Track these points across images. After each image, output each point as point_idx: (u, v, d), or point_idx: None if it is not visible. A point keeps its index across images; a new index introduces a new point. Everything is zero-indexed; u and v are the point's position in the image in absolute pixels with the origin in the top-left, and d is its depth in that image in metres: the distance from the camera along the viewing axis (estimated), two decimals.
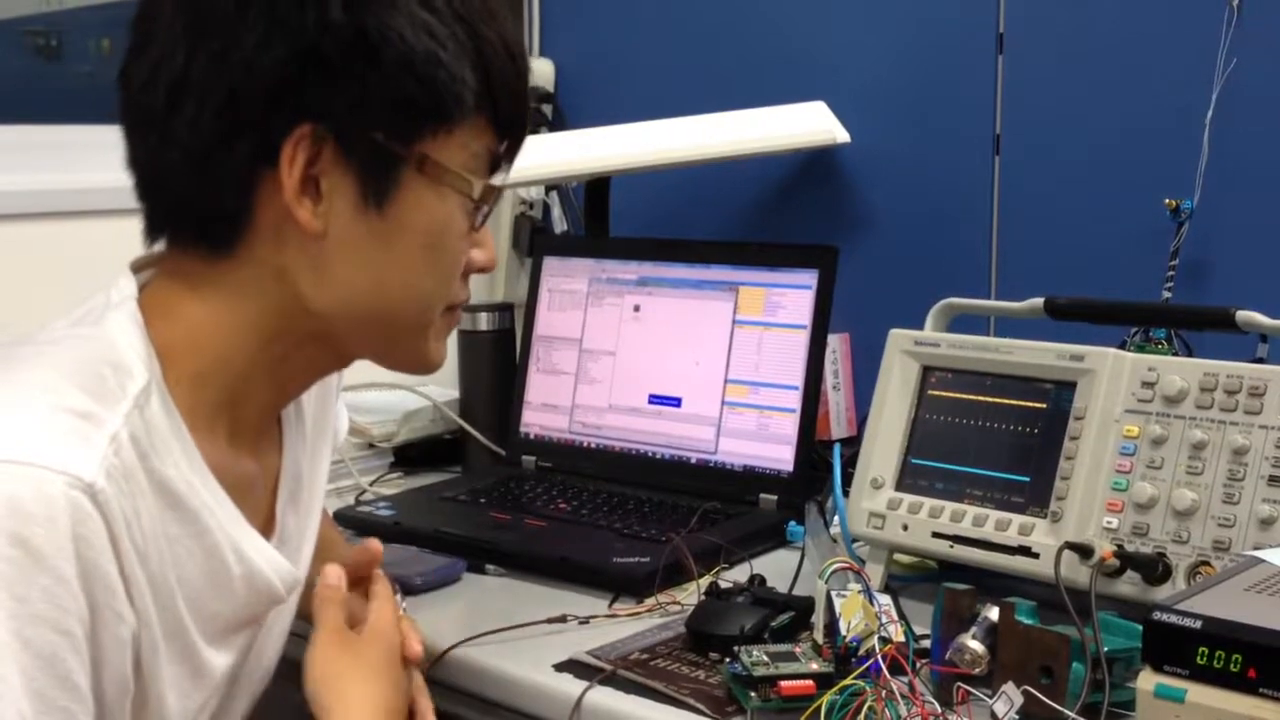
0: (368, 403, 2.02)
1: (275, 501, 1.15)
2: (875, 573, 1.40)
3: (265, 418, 1.11)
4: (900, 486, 1.42)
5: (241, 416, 1.06)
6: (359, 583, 1.25)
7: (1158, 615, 0.95)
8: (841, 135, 1.99)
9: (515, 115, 1.06)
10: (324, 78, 0.96)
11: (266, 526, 1.12)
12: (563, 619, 1.36)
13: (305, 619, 1.23)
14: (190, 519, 0.98)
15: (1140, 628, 0.97)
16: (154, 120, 0.98)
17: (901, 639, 1.18)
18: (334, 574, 1.19)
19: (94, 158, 1.99)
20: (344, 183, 0.99)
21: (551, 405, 1.94)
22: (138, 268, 1.06)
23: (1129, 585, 1.23)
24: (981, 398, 1.40)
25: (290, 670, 1.17)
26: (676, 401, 1.83)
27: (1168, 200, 1.68)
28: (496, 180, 1.07)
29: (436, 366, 1.12)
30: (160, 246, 1.05)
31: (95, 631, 0.90)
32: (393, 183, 0.99)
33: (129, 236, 1.93)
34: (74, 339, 0.99)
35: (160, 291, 1.03)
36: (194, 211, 1.01)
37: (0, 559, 0.84)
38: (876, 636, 1.16)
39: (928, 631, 1.21)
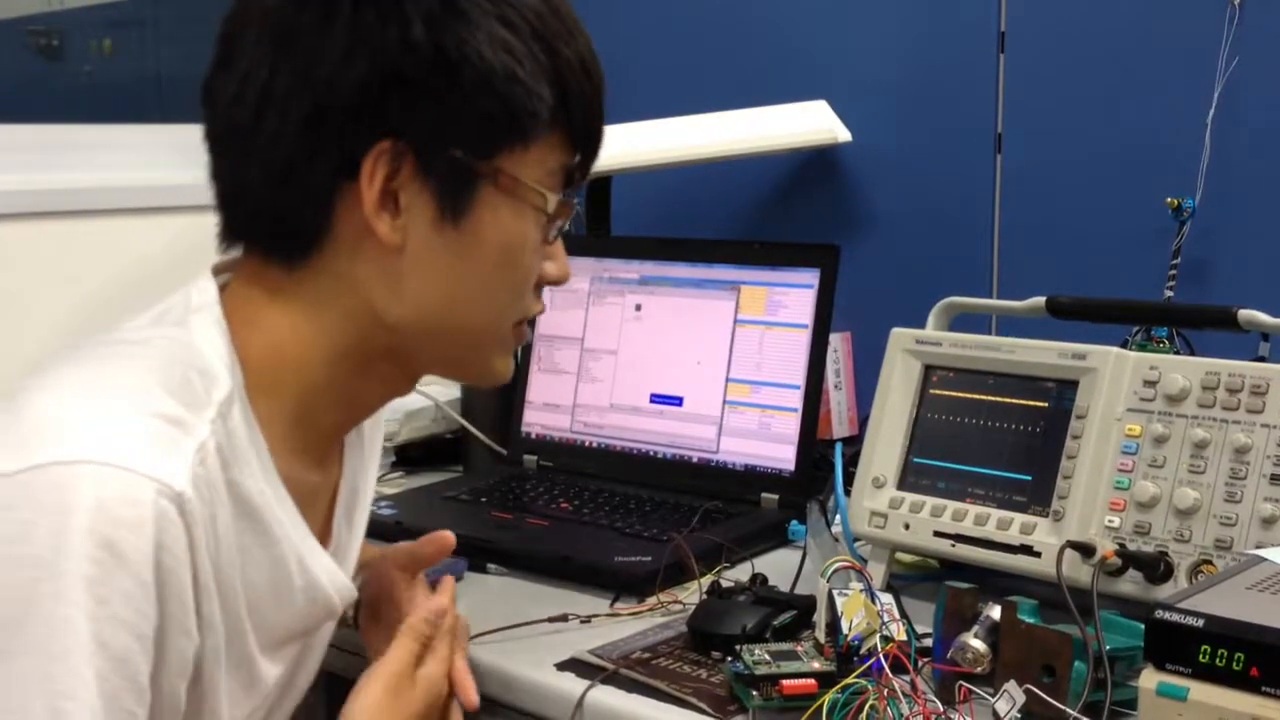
0: None
1: (332, 515, 1.15)
2: (877, 572, 1.40)
3: (336, 433, 1.12)
4: (902, 485, 1.42)
5: (314, 429, 1.07)
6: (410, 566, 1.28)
7: (1160, 614, 0.95)
8: (843, 134, 2.00)
9: (591, 131, 1.07)
10: (405, 95, 0.97)
11: (323, 540, 1.12)
12: (564, 618, 1.36)
13: (345, 626, 1.25)
14: (262, 529, 0.99)
15: (1142, 626, 0.97)
16: (237, 135, 1.00)
17: (903, 638, 1.18)
18: (435, 608, 1.18)
19: (95, 157, 2.00)
20: (422, 197, 0.99)
21: (553, 404, 1.94)
22: (216, 270, 1.06)
23: (1131, 584, 1.23)
24: (983, 397, 1.40)
25: (323, 681, 1.19)
26: (678, 401, 1.83)
27: (1169, 199, 1.68)
28: (570, 194, 1.08)
29: (504, 379, 1.13)
30: (236, 252, 1.06)
31: (161, 639, 0.90)
32: (470, 198, 1.00)
33: (134, 235, 1.94)
34: (161, 340, 0.99)
35: (239, 297, 1.04)
36: (274, 223, 1.02)
37: (86, 559, 0.85)
38: (878, 635, 1.16)
39: (929, 630, 1.21)
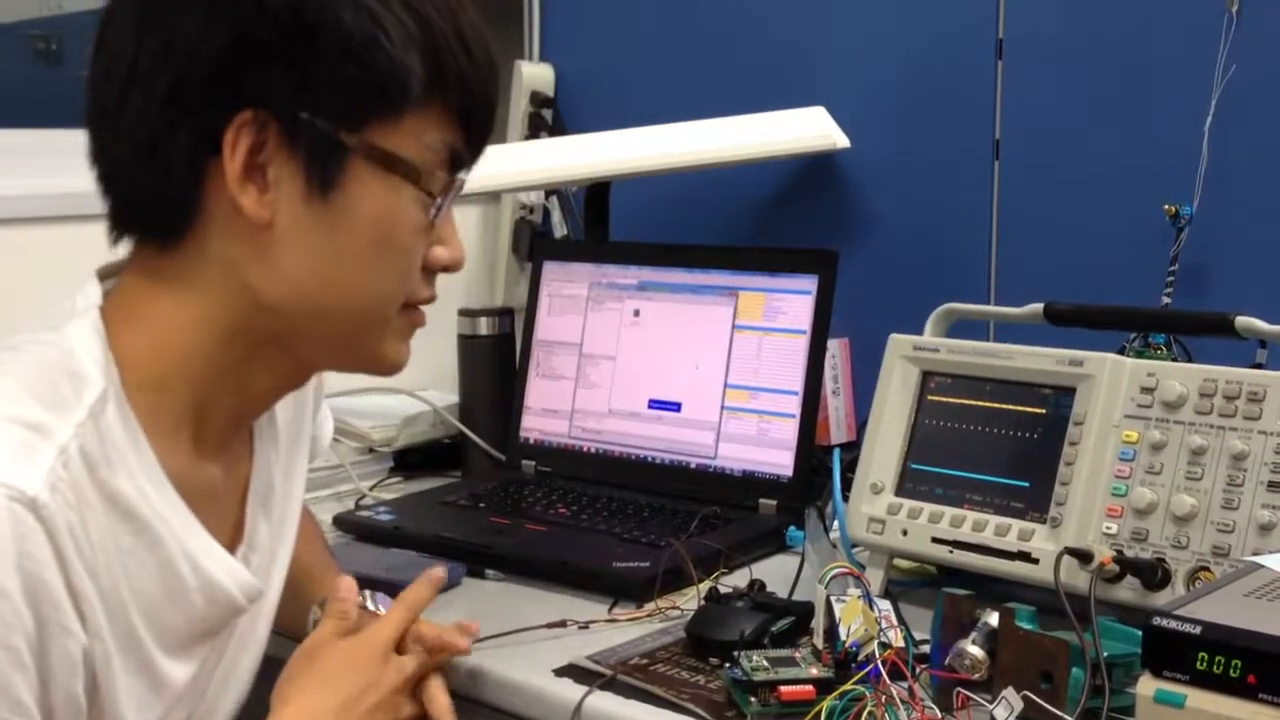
0: (367, 407, 2.02)
1: (245, 510, 1.14)
2: (875, 578, 1.40)
3: (232, 425, 1.09)
4: (900, 491, 1.42)
5: (207, 423, 1.05)
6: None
7: (1158, 621, 0.95)
8: (841, 140, 2.00)
9: (474, 107, 1.04)
10: (262, 62, 0.95)
11: (235, 535, 1.12)
12: (562, 624, 1.36)
13: (287, 635, 1.24)
14: (142, 530, 0.98)
15: (1140, 633, 0.98)
16: (106, 115, 0.99)
17: (901, 644, 1.18)
18: (345, 585, 1.20)
19: None
20: (289, 171, 0.97)
21: (551, 410, 1.94)
22: (106, 274, 1.06)
23: (1128, 590, 1.23)
24: (981, 403, 1.40)
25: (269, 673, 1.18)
26: (676, 406, 1.83)
27: (1167, 206, 1.68)
28: (460, 176, 1.06)
29: (396, 368, 1.10)
30: (126, 248, 1.05)
31: (42, 647, 0.90)
32: (338, 170, 0.98)
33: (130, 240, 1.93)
34: (33, 345, 0.98)
35: (125, 293, 1.03)
36: (145, 202, 1.01)
37: None
38: (876, 641, 1.16)
39: (927, 637, 1.21)
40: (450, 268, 1.08)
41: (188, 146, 0.97)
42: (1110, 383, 1.30)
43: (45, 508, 0.89)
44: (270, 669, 1.20)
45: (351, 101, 0.97)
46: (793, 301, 1.75)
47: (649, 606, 1.41)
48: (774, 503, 1.71)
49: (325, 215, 0.99)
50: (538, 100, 2.34)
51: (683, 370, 1.83)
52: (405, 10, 0.97)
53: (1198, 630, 0.93)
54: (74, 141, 2.01)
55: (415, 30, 0.98)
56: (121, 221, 1.04)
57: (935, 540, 1.37)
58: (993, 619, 1.14)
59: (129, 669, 0.99)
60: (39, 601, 0.89)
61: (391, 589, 1.39)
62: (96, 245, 1.91)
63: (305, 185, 0.98)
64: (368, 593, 1.33)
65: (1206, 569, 1.20)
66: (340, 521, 1.71)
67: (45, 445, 0.91)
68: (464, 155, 1.05)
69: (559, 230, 2.31)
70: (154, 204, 1.00)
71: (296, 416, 1.23)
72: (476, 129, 1.05)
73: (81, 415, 0.94)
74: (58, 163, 1.95)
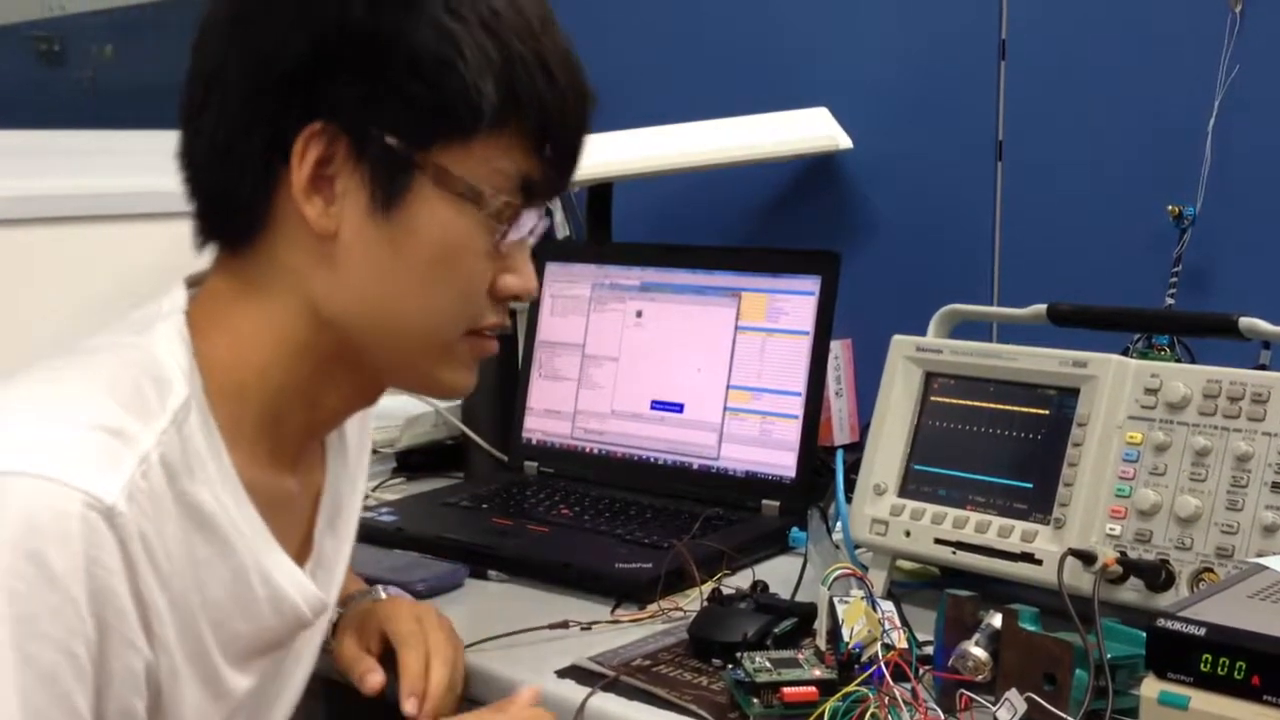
0: None
1: (314, 524, 1.14)
2: (878, 579, 1.40)
3: (305, 438, 1.09)
4: (903, 493, 1.42)
5: (282, 434, 1.05)
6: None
7: (1162, 622, 0.95)
8: (844, 141, 2.00)
9: (551, 135, 1.02)
10: (336, 74, 0.96)
11: (303, 549, 1.11)
12: (565, 625, 1.36)
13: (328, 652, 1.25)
14: (219, 541, 0.97)
15: (1143, 635, 0.97)
16: (192, 114, 1.00)
17: (904, 645, 1.18)
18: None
19: (96, 163, 2.00)
20: (355, 184, 0.98)
21: (554, 411, 1.94)
22: (194, 282, 1.06)
23: (1132, 592, 1.23)
24: (984, 404, 1.39)
25: (321, 688, 1.18)
26: (679, 407, 1.83)
27: (1170, 207, 1.68)
28: (531, 203, 1.04)
29: (457, 394, 1.10)
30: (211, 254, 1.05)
31: (103, 656, 0.89)
32: (403, 188, 0.98)
33: (132, 241, 1.94)
34: (117, 348, 0.98)
35: (209, 298, 1.03)
36: (221, 205, 1.01)
37: (12, 574, 0.84)
38: (879, 643, 1.16)
39: (930, 638, 1.21)
40: (519, 296, 1.06)
41: (260, 151, 0.98)
42: (1114, 384, 1.30)
43: (121, 516, 0.88)
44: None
45: (420, 120, 0.97)
46: (795, 302, 1.75)
47: (651, 608, 1.41)
48: (776, 504, 1.70)
49: (387, 231, 0.98)
50: None
51: (685, 371, 1.83)
52: (485, 33, 0.97)
53: (1202, 632, 0.93)
54: (76, 142, 2.01)
55: (494, 54, 0.97)
56: (204, 225, 1.04)
57: (938, 541, 1.37)
58: (996, 620, 1.13)
59: (194, 679, 0.98)
60: (104, 610, 0.88)
61: (395, 589, 1.39)
62: (99, 246, 1.92)
63: (370, 200, 0.98)
64: (379, 588, 1.34)
65: (1210, 570, 1.20)
66: None
67: (127, 453, 0.91)
68: (538, 183, 1.03)
69: (561, 231, 2.30)
70: (228, 206, 1.01)
71: (361, 430, 1.22)
72: (556, 157, 1.03)
73: (165, 422, 0.94)
74: (60, 164, 1.96)
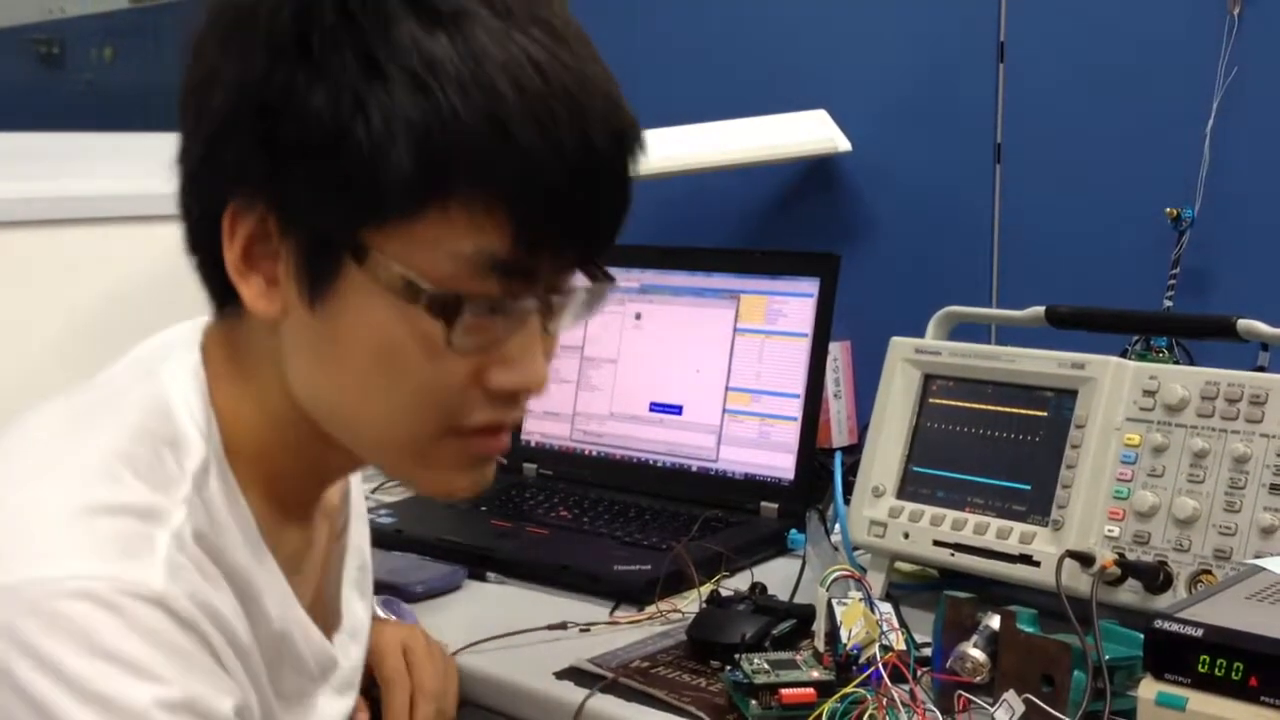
0: None
1: (328, 587, 1.07)
2: (876, 581, 1.40)
3: (317, 490, 1.01)
4: (901, 494, 1.42)
5: (291, 488, 0.97)
6: None
7: (1159, 624, 0.95)
8: (843, 144, 2.00)
9: (517, 206, 0.83)
10: (242, 145, 0.84)
11: (315, 604, 1.04)
12: (563, 626, 1.36)
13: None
14: (251, 598, 0.91)
15: (1141, 636, 0.97)
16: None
17: (902, 647, 1.18)
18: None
19: (96, 165, 2.00)
20: (287, 269, 0.86)
21: (553, 413, 1.94)
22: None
23: (1130, 594, 1.23)
24: (983, 406, 1.39)
25: None
26: (678, 409, 1.83)
27: (1169, 209, 1.68)
28: (521, 288, 0.86)
29: (450, 497, 0.95)
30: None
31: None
32: (329, 275, 0.84)
33: (132, 244, 1.94)
34: (128, 398, 0.90)
35: (213, 348, 0.94)
36: (200, 271, 0.93)
37: (100, 677, 0.77)
38: (877, 644, 1.16)
39: (929, 640, 1.21)
40: (515, 391, 0.90)
41: (201, 223, 0.89)
42: (1112, 386, 1.30)
43: (175, 600, 0.81)
44: None
45: (329, 201, 0.82)
46: (794, 304, 1.75)
47: (650, 609, 1.41)
48: (775, 506, 1.70)
49: (323, 324, 0.86)
50: None
51: (684, 373, 1.83)
52: (409, 89, 0.80)
53: (1199, 633, 0.93)
54: (75, 144, 2.01)
55: (415, 116, 0.80)
56: (200, 279, 0.95)
57: (936, 543, 1.37)
58: (994, 622, 1.13)
59: None
60: (198, 682, 0.82)
61: (393, 592, 1.39)
62: (95, 250, 1.92)
63: (299, 288, 0.85)
64: (374, 600, 1.33)
65: (1208, 572, 1.20)
66: None
67: (159, 532, 0.83)
68: (512, 263, 0.84)
69: None
70: (200, 272, 0.92)
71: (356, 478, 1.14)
72: (531, 228, 0.83)
73: (187, 489, 0.86)
74: (59, 166, 1.96)
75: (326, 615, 1.05)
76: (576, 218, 0.86)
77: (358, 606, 1.11)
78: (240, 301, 0.88)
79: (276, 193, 0.84)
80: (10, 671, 0.76)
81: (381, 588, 1.36)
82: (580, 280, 0.92)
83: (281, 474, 0.95)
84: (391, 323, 0.84)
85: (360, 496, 1.14)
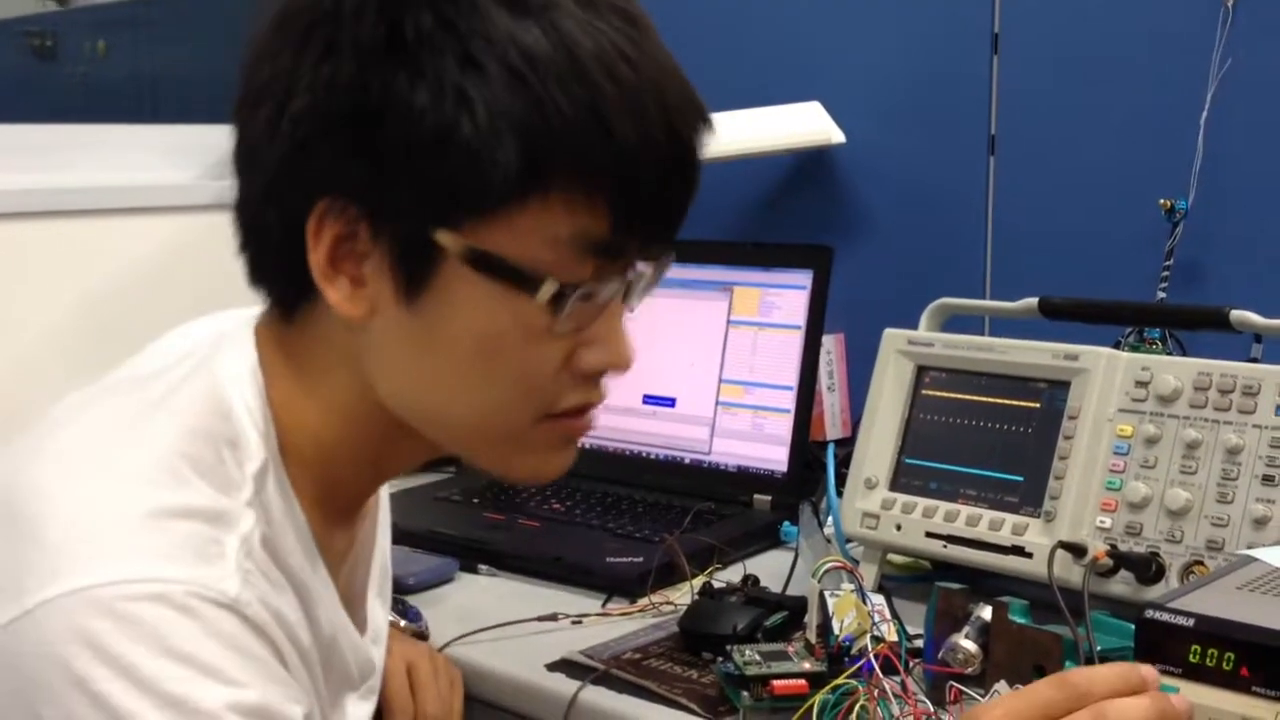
0: None
1: (355, 589, 1.05)
2: (869, 572, 1.40)
3: (368, 492, 1.00)
4: (894, 486, 1.42)
5: (343, 492, 0.96)
6: None
7: (1150, 613, 0.94)
8: (837, 135, 1.99)
9: (614, 191, 0.84)
10: (335, 146, 0.83)
11: (353, 609, 1.03)
12: (554, 617, 1.36)
13: None
14: (309, 603, 0.90)
15: (1133, 627, 0.97)
16: (234, 169, 0.91)
17: (894, 638, 1.18)
18: None
19: (89, 158, 2.00)
20: (379, 269, 0.85)
21: None
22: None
23: (1122, 585, 1.23)
24: (976, 397, 1.39)
25: None
26: (671, 402, 1.83)
27: (1162, 200, 1.68)
28: (614, 268, 0.88)
29: (543, 481, 0.97)
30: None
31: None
32: (429, 272, 0.84)
33: (126, 236, 1.94)
34: (190, 400, 0.88)
35: (265, 350, 0.92)
36: (264, 271, 0.91)
37: (174, 679, 0.76)
38: (869, 636, 1.16)
39: (921, 631, 1.20)
40: (603, 371, 0.92)
41: (281, 227, 0.87)
42: (1105, 377, 1.30)
43: (248, 606, 0.81)
44: None
45: (432, 198, 0.83)
46: (788, 297, 1.75)
47: (642, 601, 1.41)
48: (768, 498, 1.70)
49: (420, 320, 0.85)
50: None
51: (677, 365, 1.83)
52: (509, 84, 0.81)
53: (1190, 623, 0.92)
54: (69, 137, 2.01)
55: (518, 110, 0.80)
56: (255, 277, 0.93)
57: (929, 535, 1.37)
58: (986, 613, 1.13)
59: None
60: (270, 688, 0.81)
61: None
62: (93, 241, 1.92)
63: (394, 287, 0.85)
64: None
65: (1201, 563, 1.20)
66: None
67: (228, 537, 0.82)
68: (611, 243, 0.86)
69: None
70: (271, 276, 0.91)
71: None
72: (628, 209, 0.85)
73: (249, 493, 0.85)
74: (54, 158, 1.96)
75: (356, 618, 1.03)
76: (665, 201, 0.88)
77: (379, 610, 1.10)
78: (307, 303, 0.89)
79: (373, 193, 0.83)
80: (83, 674, 0.75)
81: None
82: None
83: (337, 477, 0.93)
84: (493, 312, 0.85)
85: (387, 500, 1.13)
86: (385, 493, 1.12)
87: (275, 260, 0.89)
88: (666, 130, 0.85)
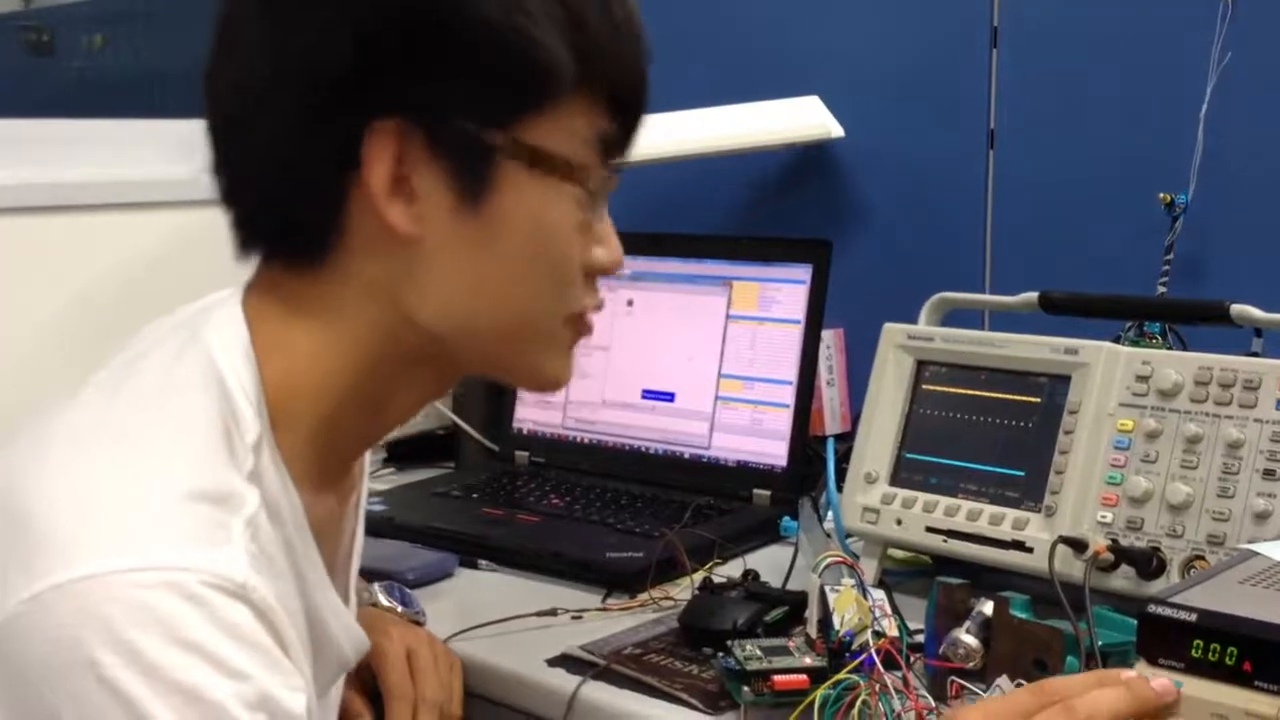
0: None
1: (338, 562, 1.04)
2: (869, 567, 1.40)
3: (360, 451, 1.01)
4: (894, 481, 1.42)
5: (335, 451, 0.96)
6: None
7: (1152, 608, 0.94)
8: (836, 130, 1.99)
9: (623, 89, 0.95)
10: (396, 63, 0.87)
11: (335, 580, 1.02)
12: (553, 613, 1.36)
13: None
14: (300, 579, 0.91)
15: (1134, 622, 0.97)
16: (234, 127, 0.92)
17: (895, 633, 1.18)
18: None
19: (87, 153, 1.99)
20: (437, 180, 0.89)
21: (545, 400, 1.93)
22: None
23: (1123, 580, 1.23)
24: (976, 392, 1.39)
25: None
26: (670, 396, 1.83)
27: (1162, 195, 1.68)
28: (612, 165, 0.96)
29: (558, 385, 1.02)
30: (253, 263, 0.95)
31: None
32: (488, 174, 0.89)
33: (124, 231, 1.93)
34: (187, 376, 0.89)
35: (257, 319, 0.92)
36: (282, 223, 0.92)
37: (182, 668, 0.77)
38: (870, 631, 1.16)
39: (921, 626, 1.20)
40: (608, 269, 0.99)
41: (327, 162, 0.89)
42: (1105, 371, 1.30)
43: (254, 591, 0.81)
44: None
45: (498, 98, 0.89)
46: (787, 291, 1.75)
47: (642, 597, 1.41)
48: (768, 493, 1.70)
49: (477, 225, 0.90)
50: None
51: (676, 360, 1.83)
52: None
53: (1193, 618, 0.92)
54: (66, 132, 2.01)
55: (559, 13, 0.89)
56: (254, 239, 0.94)
57: (929, 530, 1.36)
58: (987, 608, 1.13)
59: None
60: (274, 679, 0.81)
61: (386, 579, 1.39)
62: (91, 236, 1.92)
63: (454, 194, 0.89)
64: (376, 586, 1.32)
65: (1202, 558, 1.20)
66: None
67: (235, 520, 0.83)
68: (615, 140, 0.95)
69: None
70: (292, 224, 0.92)
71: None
72: (629, 111, 0.96)
73: (251, 465, 0.86)
74: (51, 153, 1.95)
75: (341, 590, 1.02)
76: (645, 100, 0.98)
77: (353, 581, 1.10)
78: (326, 248, 0.91)
79: (436, 102, 0.88)
80: (94, 659, 0.76)
81: (374, 575, 1.35)
82: None
83: (333, 436, 0.94)
84: (545, 207, 0.92)
85: (368, 473, 1.12)
86: (367, 460, 1.10)
87: (310, 206, 0.90)
88: (640, 36, 0.97)
